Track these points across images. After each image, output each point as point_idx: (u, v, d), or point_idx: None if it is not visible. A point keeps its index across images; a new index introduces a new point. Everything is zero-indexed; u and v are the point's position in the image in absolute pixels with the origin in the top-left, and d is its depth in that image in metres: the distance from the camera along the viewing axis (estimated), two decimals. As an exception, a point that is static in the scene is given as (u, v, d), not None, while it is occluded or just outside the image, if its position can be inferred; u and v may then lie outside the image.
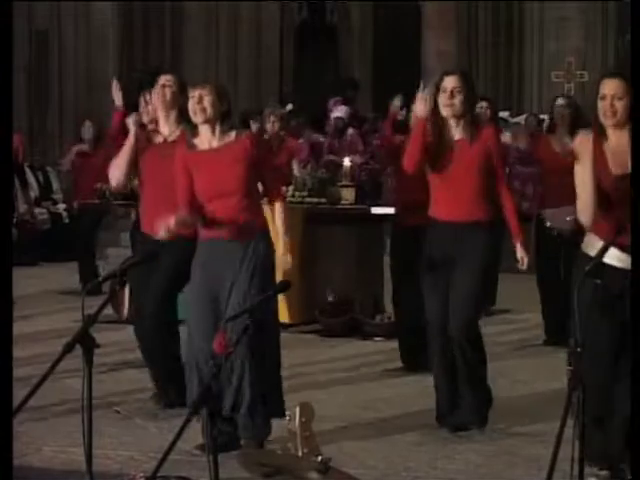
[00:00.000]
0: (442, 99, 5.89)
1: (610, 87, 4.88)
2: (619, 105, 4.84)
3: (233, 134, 5.51)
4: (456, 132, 5.94)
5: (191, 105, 5.45)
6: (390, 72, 20.28)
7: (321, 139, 13.65)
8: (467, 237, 5.90)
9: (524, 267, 6.03)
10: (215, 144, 5.49)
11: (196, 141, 5.55)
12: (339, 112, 14.70)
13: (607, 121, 4.86)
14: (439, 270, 5.93)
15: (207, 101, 5.41)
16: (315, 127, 15.26)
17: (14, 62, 15.92)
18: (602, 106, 4.86)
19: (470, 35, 22.38)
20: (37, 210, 13.70)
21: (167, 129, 6.30)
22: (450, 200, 5.92)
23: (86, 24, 16.85)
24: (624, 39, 24.24)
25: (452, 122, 5.92)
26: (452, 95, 5.86)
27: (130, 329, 8.93)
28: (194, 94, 5.45)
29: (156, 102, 6.32)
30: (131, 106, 6.90)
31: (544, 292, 8.62)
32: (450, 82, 5.89)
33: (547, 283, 8.55)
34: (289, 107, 15.63)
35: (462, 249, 5.88)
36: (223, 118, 5.49)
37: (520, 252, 5.98)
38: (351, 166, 9.57)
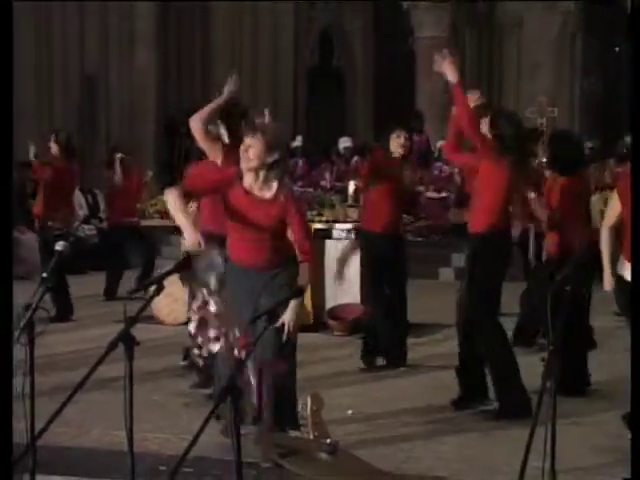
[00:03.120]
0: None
1: None
2: None
3: (274, 186, 4.97)
4: None
5: (240, 152, 4.97)
6: (389, 108, 20.30)
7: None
8: (473, 247, 5.98)
9: None
10: (256, 191, 4.98)
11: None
12: (347, 142, 14.73)
13: None
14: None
15: (252, 152, 4.91)
16: (324, 156, 15.30)
17: (67, 101, 16.00)
18: None
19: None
20: (86, 226, 13.72)
21: None
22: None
23: (129, 69, 16.91)
24: (588, 81, 24.27)
25: None
26: None
27: (165, 328, 8.98)
28: (244, 142, 4.94)
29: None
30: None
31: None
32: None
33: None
34: (299, 139, 15.69)
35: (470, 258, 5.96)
36: (270, 167, 4.93)
37: None
38: (355, 189, 9.55)
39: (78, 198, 13.19)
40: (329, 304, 9.07)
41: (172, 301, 8.75)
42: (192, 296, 6.07)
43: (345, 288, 9.07)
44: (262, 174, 4.95)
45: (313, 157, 15.53)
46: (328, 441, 3.05)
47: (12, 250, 4.05)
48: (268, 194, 4.99)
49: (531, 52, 20.90)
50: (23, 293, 4.29)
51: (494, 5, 22.57)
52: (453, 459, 5.17)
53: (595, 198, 14.69)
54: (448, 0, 19.89)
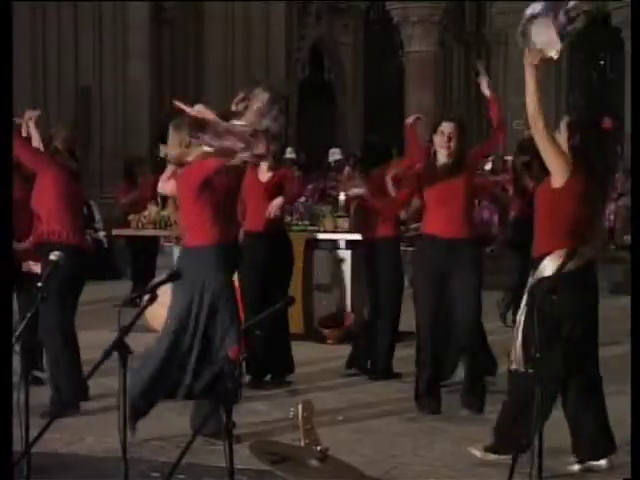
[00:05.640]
0: (439, 141, 5.91)
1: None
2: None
3: None
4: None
5: None
6: (378, 120, 20.34)
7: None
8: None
9: None
10: None
11: None
12: (337, 154, 14.74)
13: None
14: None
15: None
16: (315, 167, 15.32)
17: (62, 113, 15.97)
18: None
19: (446, 91, 22.49)
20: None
21: None
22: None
23: (123, 81, 16.90)
24: (573, 94, 24.36)
25: (445, 158, 5.94)
26: (449, 139, 5.88)
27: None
28: None
29: None
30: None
31: None
32: (447, 128, 5.90)
33: None
34: (290, 150, 15.68)
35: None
36: None
37: None
38: (346, 199, 9.52)
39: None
40: (318, 313, 9.08)
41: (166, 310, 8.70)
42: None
43: (335, 296, 9.08)
44: None
45: (305, 168, 15.55)
46: (319, 448, 3.04)
47: (12, 255, 4.03)
48: None
49: (518, 67, 20.99)
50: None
51: (481, 22, 22.73)
52: (442, 466, 5.16)
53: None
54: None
